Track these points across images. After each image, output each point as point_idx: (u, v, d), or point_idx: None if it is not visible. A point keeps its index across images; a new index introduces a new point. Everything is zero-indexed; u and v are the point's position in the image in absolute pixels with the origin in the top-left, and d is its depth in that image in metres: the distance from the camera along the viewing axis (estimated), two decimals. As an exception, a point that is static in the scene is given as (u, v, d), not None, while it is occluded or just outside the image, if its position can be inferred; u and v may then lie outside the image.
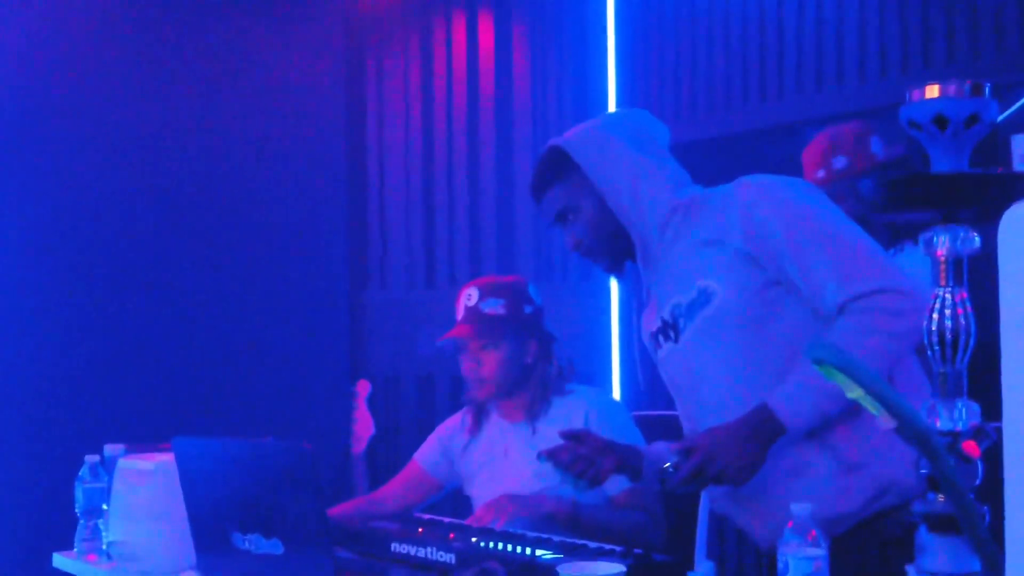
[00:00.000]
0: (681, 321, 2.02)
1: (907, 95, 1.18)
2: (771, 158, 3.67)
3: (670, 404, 2.22)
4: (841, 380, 1.06)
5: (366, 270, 4.72)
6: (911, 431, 1.01)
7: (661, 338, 2.09)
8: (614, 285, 4.09)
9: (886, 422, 1.07)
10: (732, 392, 1.95)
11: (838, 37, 3.56)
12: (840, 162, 2.73)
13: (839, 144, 2.76)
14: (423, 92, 4.64)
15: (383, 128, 4.74)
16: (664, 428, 2.36)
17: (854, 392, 1.06)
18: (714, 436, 1.89)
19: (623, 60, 4.17)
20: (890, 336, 1.81)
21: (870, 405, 1.06)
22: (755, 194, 1.96)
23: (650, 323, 2.14)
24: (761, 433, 1.86)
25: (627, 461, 2.13)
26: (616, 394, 4.10)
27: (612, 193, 2.06)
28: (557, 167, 2.12)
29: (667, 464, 1.93)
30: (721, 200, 2.00)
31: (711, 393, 2.00)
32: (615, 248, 2.12)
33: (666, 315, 2.06)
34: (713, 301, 1.95)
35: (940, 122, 1.14)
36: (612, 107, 4.17)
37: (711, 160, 3.75)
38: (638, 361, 2.24)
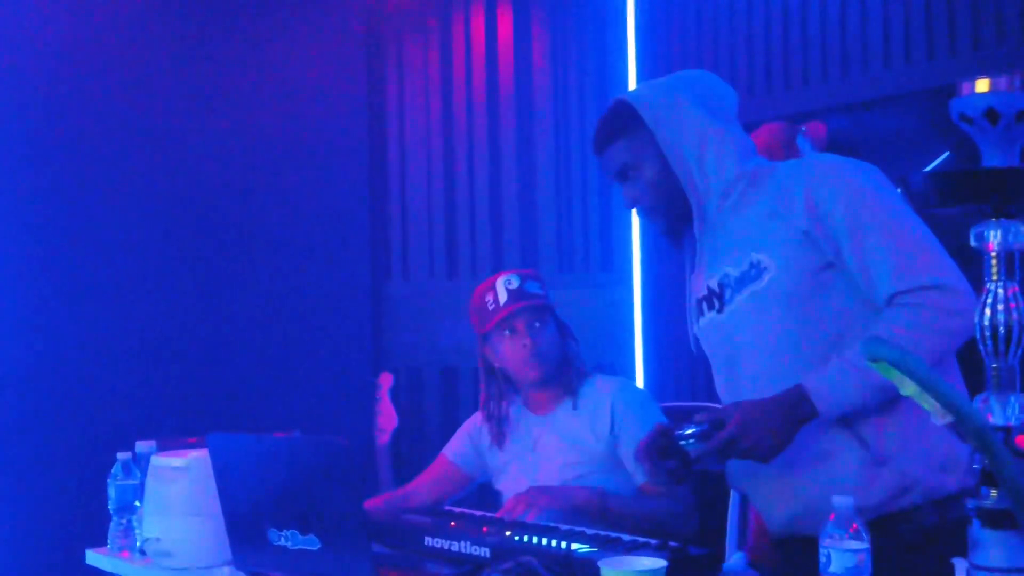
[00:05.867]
0: (728, 292, 1.98)
1: (958, 88, 1.17)
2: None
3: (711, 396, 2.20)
4: (895, 376, 1.06)
5: (388, 262, 4.73)
6: (969, 427, 1.00)
7: (705, 306, 2.05)
8: (636, 275, 4.09)
9: (941, 417, 1.06)
10: (770, 370, 1.92)
11: (862, 22, 3.54)
12: None
13: (772, 155, 2.69)
14: (443, 83, 4.63)
15: (404, 120, 4.74)
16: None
17: (909, 388, 1.06)
18: (746, 410, 1.85)
19: (643, 49, 4.16)
20: (941, 334, 1.78)
21: (925, 401, 1.06)
22: (822, 173, 1.92)
23: (696, 289, 2.10)
24: (793, 414, 1.83)
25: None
26: (639, 384, 4.10)
27: (676, 153, 2.01)
28: (623, 121, 2.06)
29: (689, 430, 1.88)
30: (788, 175, 1.96)
31: (749, 368, 1.97)
32: (673, 210, 2.06)
33: (713, 284, 2.02)
34: (764, 276, 1.92)
35: (991, 116, 1.14)
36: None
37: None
38: (692, 333, 2.18)
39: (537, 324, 2.60)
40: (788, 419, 1.83)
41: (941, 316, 1.77)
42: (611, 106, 2.11)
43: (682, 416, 2.53)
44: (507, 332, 2.61)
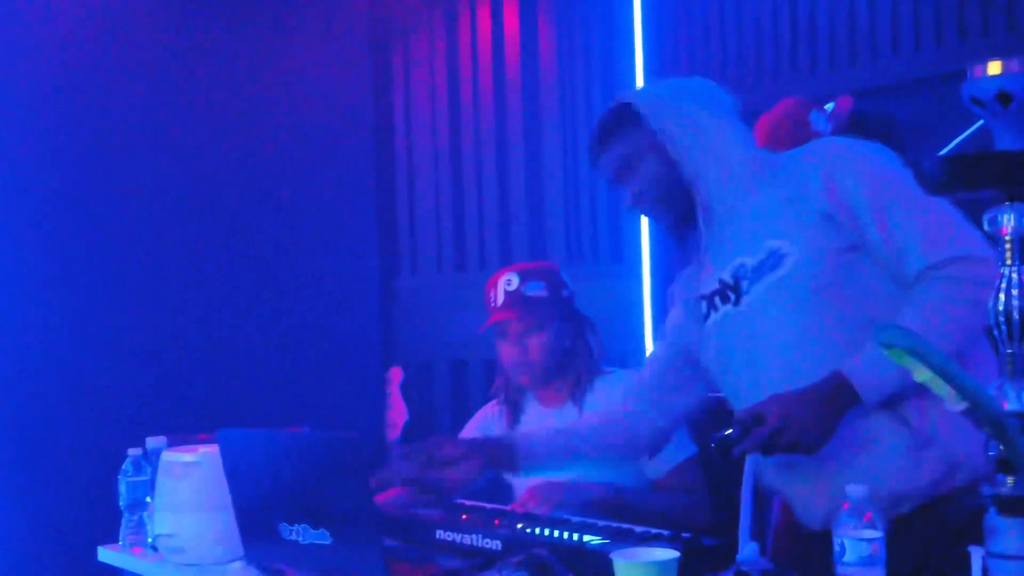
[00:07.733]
0: (744, 283, 1.92)
1: (968, 71, 1.16)
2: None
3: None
4: (909, 363, 1.04)
5: (396, 257, 4.72)
6: (984, 414, 0.99)
7: (718, 300, 1.99)
8: (646, 267, 4.08)
9: (955, 404, 1.05)
10: (798, 360, 1.85)
11: (870, 9, 3.51)
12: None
13: (779, 133, 2.63)
14: (450, 76, 4.62)
15: (410, 114, 4.73)
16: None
17: (923, 375, 1.05)
18: (784, 402, 1.79)
19: (650, 39, 4.14)
20: (975, 305, 1.67)
21: (939, 388, 1.05)
22: (839, 155, 1.89)
23: (702, 285, 2.04)
24: (835, 402, 1.77)
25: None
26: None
27: (677, 147, 1.98)
28: (622, 120, 2.05)
29: (728, 431, 1.81)
30: (802, 160, 1.93)
31: (774, 361, 1.90)
32: (676, 205, 2.03)
33: (726, 276, 1.96)
34: (785, 263, 1.87)
35: (1003, 98, 1.12)
36: (640, 87, 4.13)
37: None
38: (670, 329, 2.19)
39: (530, 330, 2.58)
40: (830, 408, 1.77)
41: (973, 287, 1.71)
42: (608, 108, 2.11)
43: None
44: (500, 335, 2.61)
